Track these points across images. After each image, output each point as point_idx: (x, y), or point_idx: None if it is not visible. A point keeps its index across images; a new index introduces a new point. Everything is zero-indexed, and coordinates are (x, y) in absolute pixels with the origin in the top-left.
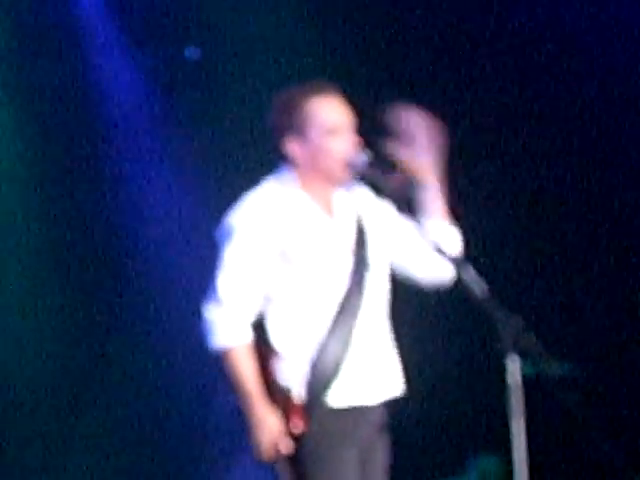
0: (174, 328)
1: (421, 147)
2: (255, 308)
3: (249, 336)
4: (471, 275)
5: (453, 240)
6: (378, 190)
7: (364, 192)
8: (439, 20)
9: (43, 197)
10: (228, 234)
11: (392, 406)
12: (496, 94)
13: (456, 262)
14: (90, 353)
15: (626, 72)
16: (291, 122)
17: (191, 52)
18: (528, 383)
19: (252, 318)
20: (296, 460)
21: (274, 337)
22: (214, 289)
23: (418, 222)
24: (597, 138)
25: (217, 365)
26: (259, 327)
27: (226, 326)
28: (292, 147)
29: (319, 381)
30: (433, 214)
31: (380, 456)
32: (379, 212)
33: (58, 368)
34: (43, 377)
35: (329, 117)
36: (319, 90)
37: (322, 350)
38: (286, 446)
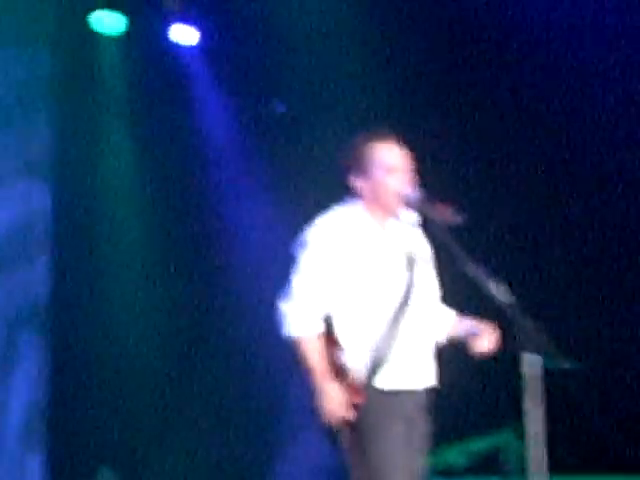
0: (256, 326)
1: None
2: (323, 306)
3: (318, 328)
4: (497, 288)
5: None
6: (427, 219)
7: (416, 227)
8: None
9: (156, 220)
10: (304, 245)
11: (431, 393)
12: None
13: (485, 276)
14: (189, 347)
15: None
16: (357, 163)
17: (278, 106)
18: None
19: (320, 314)
20: (356, 430)
21: (339, 332)
22: (289, 288)
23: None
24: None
25: (289, 351)
26: (328, 323)
27: (297, 318)
28: (357, 183)
29: (372, 368)
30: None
31: (422, 430)
32: (425, 245)
33: (161, 357)
34: (150, 363)
35: (387, 158)
36: (380, 137)
37: (376, 345)
38: (347, 413)
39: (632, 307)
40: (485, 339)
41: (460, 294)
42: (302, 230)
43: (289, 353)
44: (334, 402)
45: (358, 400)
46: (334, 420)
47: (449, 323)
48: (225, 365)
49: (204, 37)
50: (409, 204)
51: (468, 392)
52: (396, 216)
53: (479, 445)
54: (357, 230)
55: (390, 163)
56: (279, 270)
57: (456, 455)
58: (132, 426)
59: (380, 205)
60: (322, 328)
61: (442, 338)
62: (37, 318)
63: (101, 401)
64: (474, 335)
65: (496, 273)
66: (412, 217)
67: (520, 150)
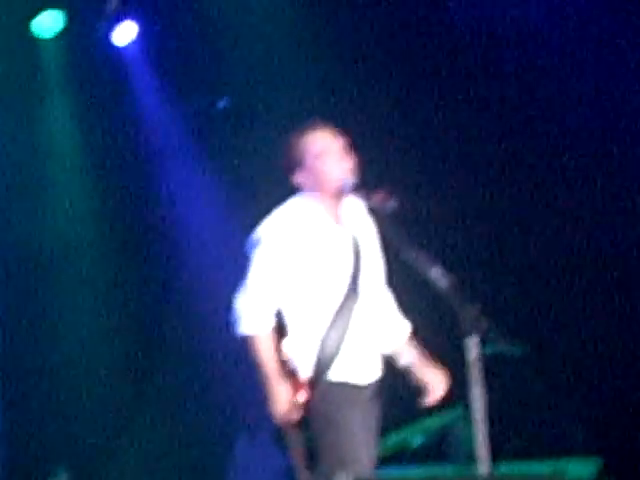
0: (212, 325)
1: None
2: (276, 302)
3: (270, 325)
4: (438, 271)
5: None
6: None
7: (359, 205)
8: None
9: (105, 221)
10: (257, 242)
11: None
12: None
13: (425, 262)
14: (147, 344)
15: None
16: (293, 158)
17: (222, 102)
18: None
19: (273, 310)
20: (313, 425)
21: (289, 325)
22: (244, 286)
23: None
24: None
25: (242, 348)
26: (279, 318)
27: (251, 316)
28: (298, 178)
29: (322, 362)
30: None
31: (377, 415)
32: (370, 225)
33: (122, 355)
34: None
35: (316, 144)
36: (310, 127)
37: (325, 338)
38: (294, 414)
39: (577, 289)
40: (434, 394)
41: (401, 281)
42: (254, 226)
43: (244, 352)
44: (282, 403)
45: (304, 395)
46: (282, 421)
47: (400, 337)
48: (182, 365)
49: (144, 32)
50: (345, 191)
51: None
52: (341, 201)
53: (434, 422)
54: (308, 223)
55: (319, 147)
56: (234, 268)
57: (413, 434)
58: (88, 427)
59: (324, 193)
60: (273, 324)
61: (388, 349)
62: None
63: (55, 403)
64: (416, 372)
65: (436, 258)
66: (360, 203)
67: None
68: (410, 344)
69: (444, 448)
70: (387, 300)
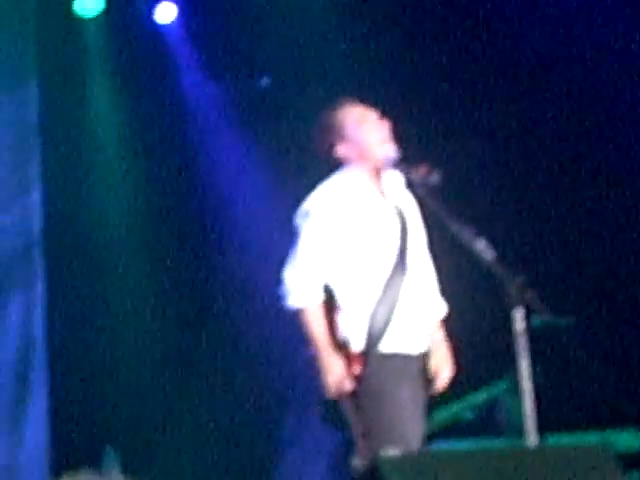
0: (263, 304)
1: None
2: (324, 275)
3: (320, 298)
4: (482, 244)
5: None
6: (407, 179)
7: (398, 180)
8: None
9: (151, 201)
10: (305, 215)
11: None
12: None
13: (470, 235)
14: (187, 339)
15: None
16: (334, 131)
17: (264, 81)
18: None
19: (322, 283)
20: (363, 398)
21: (338, 299)
22: (292, 259)
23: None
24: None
25: (292, 322)
26: (329, 291)
27: (301, 289)
28: (340, 150)
29: (373, 334)
30: None
31: (424, 394)
32: (411, 200)
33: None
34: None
35: (354, 113)
36: (343, 102)
37: (375, 311)
38: (348, 385)
39: (622, 264)
40: (437, 384)
41: (447, 256)
42: (300, 201)
43: (297, 330)
44: (335, 375)
45: (357, 368)
46: (335, 393)
47: (435, 317)
48: (232, 347)
49: (184, 12)
50: (388, 164)
51: (462, 350)
52: (383, 174)
53: (480, 397)
54: (355, 196)
55: (357, 116)
56: (282, 244)
57: (461, 409)
58: (138, 408)
59: (368, 162)
60: (323, 297)
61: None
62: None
63: (105, 383)
64: (432, 357)
65: (481, 232)
66: (399, 178)
67: (502, 113)
68: (440, 327)
69: (492, 422)
70: (429, 277)
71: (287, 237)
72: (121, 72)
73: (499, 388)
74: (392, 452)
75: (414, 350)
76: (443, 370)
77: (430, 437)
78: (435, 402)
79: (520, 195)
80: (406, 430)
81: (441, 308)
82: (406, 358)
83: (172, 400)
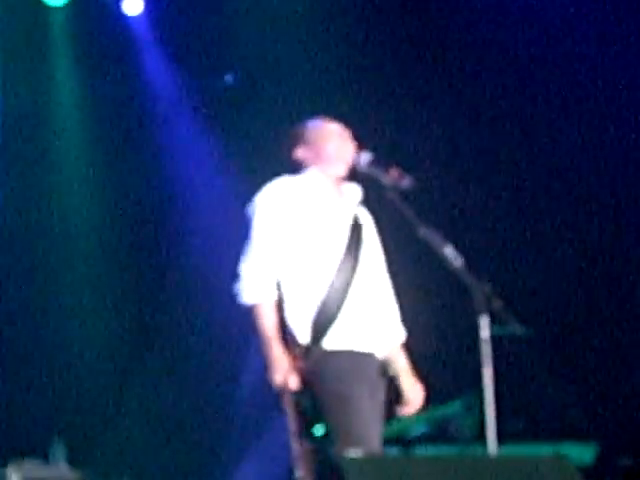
0: (214, 298)
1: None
2: (276, 270)
3: (273, 295)
4: (450, 251)
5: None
6: (378, 184)
7: (358, 194)
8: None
9: (108, 194)
10: (254, 208)
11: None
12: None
13: (439, 240)
14: (137, 336)
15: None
16: (299, 136)
17: (227, 78)
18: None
19: (274, 279)
20: (318, 396)
21: (285, 295)
22: (247, 252)
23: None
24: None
25: (247, 318)
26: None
27: (254, 285)
28: (301, 154)
29: (318, 329)
30: None
31: (382, 398)
32: (370, 221)
33: (109, 347)
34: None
35: (327, 126)
36: (320, 120)
37: (322, 306)
38: (293, 383)
39: (589, 274)
40: (410, 407)
41: (413, 259)
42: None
43: (248, 322)
44: (280, 370)
45: (300, 362)
46: (280, 389)
47: (393, 342)
48: (181, 338)
49: (151, 5)
50: (359, 167)
51: (427, 358)
52: (341, 182)
53: (436, 413)
54: (305, 191)
55: (330, 128)
56: (237, 241)
57: (415, 422)
58: (85, 398)
59: (324, 170)
60: (276, 295)
61: (381, 352)
62: None
63: (52, 373)
64: (400, 382)
65: (449, 237)
66: (357, 192)
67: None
68: (402, 352)
69: (445, 436)
70: (388, 300)
71: (246, 231)
72: (86, 63)
73: (454, 406)
74: (354, 453)
75: (364, 347)
76: (415, 395)
77: (384, 444)
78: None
79: (488, 203)
80: (365, 432)
81: (400, 334)
82: (358, 355)
83: (119, 391)
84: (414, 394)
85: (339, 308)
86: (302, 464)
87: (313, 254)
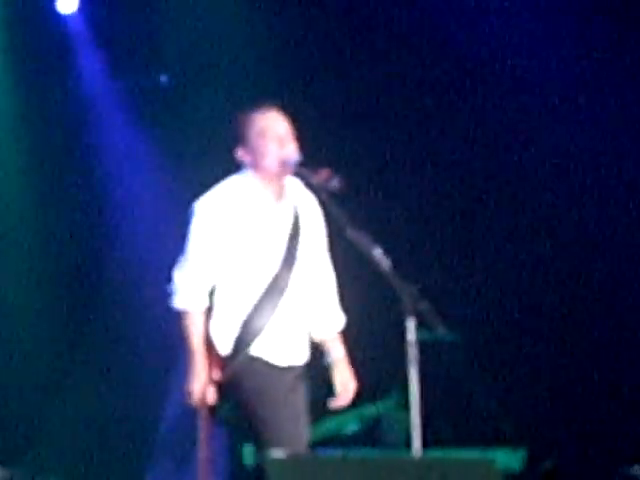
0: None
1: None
2: (211, 278)
3: (204, 304)
4: (379, 253)
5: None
6: (307, 184)
7: (303, 189)
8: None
9: (41, 193)
10: (192, 216)
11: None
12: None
13: (368, 242)
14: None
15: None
16: (237, 134)
17: (162, 78)
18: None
19: (208, 287)
20: (237, 400)
21: (216, 303)
22: (183, 259)
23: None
24: None
25: (177, 322)
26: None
27: (185, 291)
28: (240, 154)
29: (243, 340)
30: None
31: (304, 398)
32: (314, 210)
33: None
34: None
35: (259, 123)
36: (256, 106)
37: (249, 317)
38: (210, 396)
39: (518, 279)
40: (342, 399)
41: (343, 261)
42: (198, 197)
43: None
44: (198, 380)
45: (218, 373)
46: (195, 401)
47: (332, 328)
48: (113, 339)
49: (84, 4)
50: (287, 168)
51: (355, 357)
52: (282, 182)
53: (368, 410)
54: (243, 200)
55: (262, 126)
56: (176, 241)
57: (347, 420)
58: (13, 401)
59: (264, 172)
60: (207, 303)
61: (317, 337)
62: None
63: None
64: (334, 372)
65: (379, 239)
66: (297, 186)
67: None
68: (339, 340)
69: (377, 435)
70: (328, 285)
71: (181, 233)
72: (19, 61)
73: (386, 403)
74: (277, 453)
75: (282, 362)
76: (347, 387)
77: (312, 446)
78: (319, 413)
79: (419, 205)
80: (284, 433)
81: (339, 320)
82: (274, 367)
83: (49, 392)
84: (346, 387)
85: (263, 327)
86: (206, 472)
87: (244, 266)
